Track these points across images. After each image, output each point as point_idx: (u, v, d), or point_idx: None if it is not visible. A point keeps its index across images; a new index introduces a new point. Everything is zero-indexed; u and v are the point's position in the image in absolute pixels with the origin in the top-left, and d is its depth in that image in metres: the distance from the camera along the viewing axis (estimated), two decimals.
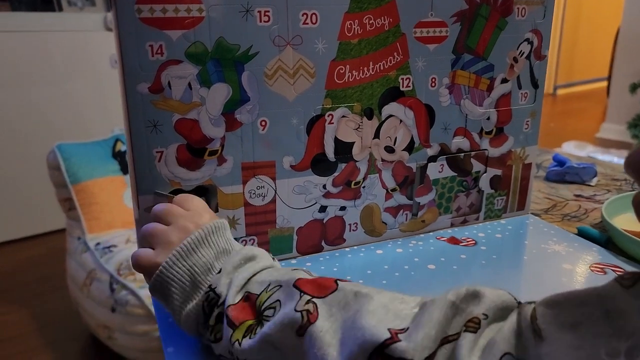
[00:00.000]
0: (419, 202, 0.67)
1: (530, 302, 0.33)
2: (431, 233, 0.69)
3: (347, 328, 0.35)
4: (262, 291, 0.42)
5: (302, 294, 0.39)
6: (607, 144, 3.52)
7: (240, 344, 0.39)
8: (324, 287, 0.39)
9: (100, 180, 1.79)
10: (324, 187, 0.61)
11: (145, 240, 0.47)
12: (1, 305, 1.97)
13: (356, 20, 0.57)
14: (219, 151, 0.55)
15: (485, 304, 0.33)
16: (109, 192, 1.78)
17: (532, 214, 0.76)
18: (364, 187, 0.63)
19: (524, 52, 0.67)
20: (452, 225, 0.71)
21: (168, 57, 0.50)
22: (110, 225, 1.72)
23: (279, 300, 0.40)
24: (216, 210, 0.56)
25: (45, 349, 1.71)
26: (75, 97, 2.54)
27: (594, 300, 0.28)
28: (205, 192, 0.56)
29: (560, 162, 0.88)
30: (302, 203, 0.61)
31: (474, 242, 0.67)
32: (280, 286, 0.41)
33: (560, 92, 5.35)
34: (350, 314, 0.36)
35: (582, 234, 0.67)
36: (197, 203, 0.50)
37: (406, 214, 0.67)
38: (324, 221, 0.63)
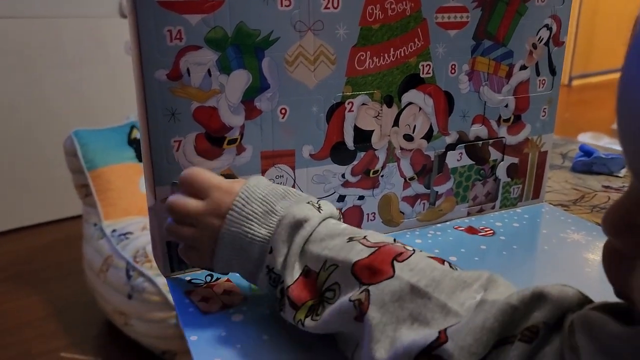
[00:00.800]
0: (437, 191, 0.66)
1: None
2: (448, 222, 0.68)
3: (397, 329, 0.34)
4: (321, 269, 0.41)
5: (358, 282, 0.38)
6: None
7: (303, 324, 0.40)
8: (379, 273, 0.37)
9: (117, 167, 1.77)
10: (343, 176, 0.60)
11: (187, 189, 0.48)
12: (17, 290, 1.96)
13: (378, 5, 0.55)
14: (238, 140, 0.53)
15: (548, 308, 0.31)
16: (125, 179, 1.77)
17: (560, 205, 0.74)
18: (382, 176, 0.62)
19: (543, 38, 0.66)
20: (469, 214, 0.70)
21: (187, 42, 0.48)
22: (127, 212, 1.70)
23: (337, 283, 0.39)
24: None
25: (61, 334, 1.70)
26: (89, 84, 2.50)
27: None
28: None
29: (587, 152, 0.87)
30: (321, 192, 0.59)
31: (492, 231, 0.66)
32: (337, 266, 0.40)
33: (575, 82, 5.22)
34: (403, 315, 0.34)
35: None
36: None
37: (423, 203, 0.66)
38: (342, 211, 0.61)
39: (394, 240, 0.42)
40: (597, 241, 0.63)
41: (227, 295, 0.52)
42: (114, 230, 1.62)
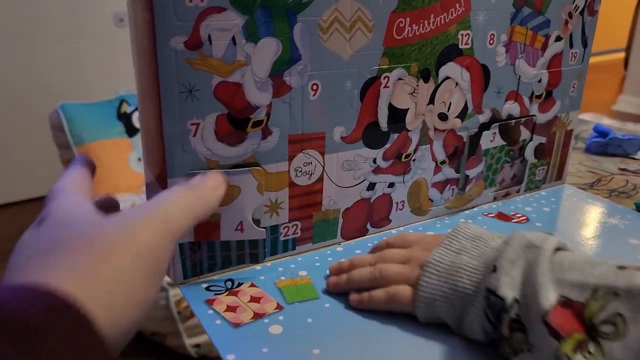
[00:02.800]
0: (468, 175, 0.60)
1: None
2: (476, 209, 0.63)
3: None
4: (590, 299, 0.33)
5: None
6: (624, 117, 3.33)
7: (570, 359, 0.32)
8: None
9: (105, 142, 1.68)
10: (374, 161, 0.53)
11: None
12: (3, 267, 1.80)
13: None
14: (264, 121, 0.45)
15: None
16: (114, 154, 1.67)
17: (578, 188, 0.70)
18: (414, 160, 0.55)
19: (578, 7, 0.61)
20: (495, 199, 0.64)
21: (209, 3, 0.39)
22: (116, 189, 1.61)
23: (620, 316, 0.31)
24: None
25: None
26: (78, 56, 2.31)
27: None
28: None
29: (601, 132, 0.83)
30: (351, 180, 0.52)
31: (525, 218, 0.61)
32: (617, 295, 0.32)
33: None
34: None
35: None
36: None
37: (452, 189, 0.60)
38: (371, 200, 0.54)
39: None
40: (636, 225, 0.59)
41: (257, 303, 0.44)
42: None
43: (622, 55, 3.79)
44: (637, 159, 0.80)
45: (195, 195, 0.34)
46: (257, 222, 0.47)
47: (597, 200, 0.66)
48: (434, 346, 0.40)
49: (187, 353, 1.34)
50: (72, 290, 0.24)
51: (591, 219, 0.61)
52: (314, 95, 0.46)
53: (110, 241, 0.28)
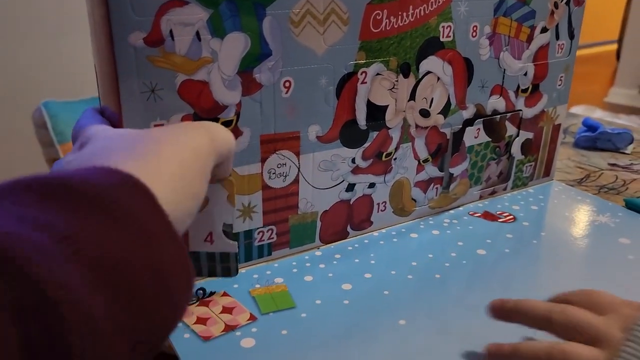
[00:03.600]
0: (452, 173, 0.58)
1: None
2: (461, 208, 0.60)
3: None
4: None
5: None
6: (617, 109, 3.26)
7: None
8: None
9: None
10: (353, 161, 0.50)
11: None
12: None
13: None
14: (234, 121, 0.43)
15: None
16: None
17: (567, 185, 0.68)
18: (395, 159, 0.53)
19: None
20: (481, 197, 0.62)
21: None
22: None
23: None
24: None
25: None
26: (62, 54, 2.27)
27: None
28: None
29: (590, 126, 0.80)
30: (328, 182, 0.50)
31: (512, 217, 0.59)
32: None
33: None
34: None
35: (631, 205, 0.60)
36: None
37: (436, 188, 0.58)
38: (351, 202, 0.52)
39: None
40: (627, 224, 0.57)
41: (229, 314, 0.42)
42: None
43: (614, 47, 3.76)
44: (628, 154, 0.78)
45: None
46: (229, 226, 0.45)
47: (586, 197, 0.64)
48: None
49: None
50: (137, 173, 0.25)
51: (580, 218, 0.59)
52: (286, 92, 0.44)
53: (168, 140, 0.30)
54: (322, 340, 0.39)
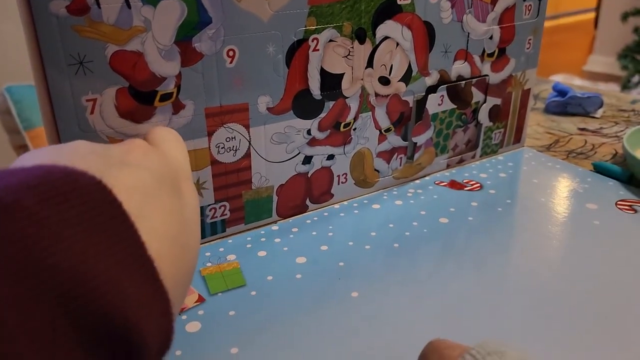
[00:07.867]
0: (416, 143, 0.56)
1: None
2: (427, 178, 0.59)
3: None
4: None
5: None
6: (595, 77, 3.30)
7: None
8: None
9: None
10: (309, 132, 0.48)
11: None
12: None
13: None
14: (174, 94, 0.40)
15: None
16: None
17: (536, 151, 0.66)
18: (354, 129, 0.51)
19: None
20: (448, 166, 0.61)
21: None
22: None
23: None
24: None
25: None
26: (20, 36, 2.19)
27: None
28: None
29: (561, 91, 0.78)
30: (283, 155, 0.48)
31: (479, 185, 0.57)
32: None
33: (546, 24, 5.07)
34: None
35: (599, 169, 0.59)
36: None
37: (400, 158, 0.56)
38: (309, 175, 0.50)
39: None
40: (596, 189, 0.56)
41: None
42: None
43: (592, 15, 3.75)
44: (597, 118, 0.76)
45: None
46: None
47: (556, 163, 0.62)
48: (370, 343, 0.36)
49: None
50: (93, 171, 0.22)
51: (548, 184, 0.57)
52: (230, 62, 0.42)
53: (139, 148, 0.29)
54: (269, 319, 0.38)
